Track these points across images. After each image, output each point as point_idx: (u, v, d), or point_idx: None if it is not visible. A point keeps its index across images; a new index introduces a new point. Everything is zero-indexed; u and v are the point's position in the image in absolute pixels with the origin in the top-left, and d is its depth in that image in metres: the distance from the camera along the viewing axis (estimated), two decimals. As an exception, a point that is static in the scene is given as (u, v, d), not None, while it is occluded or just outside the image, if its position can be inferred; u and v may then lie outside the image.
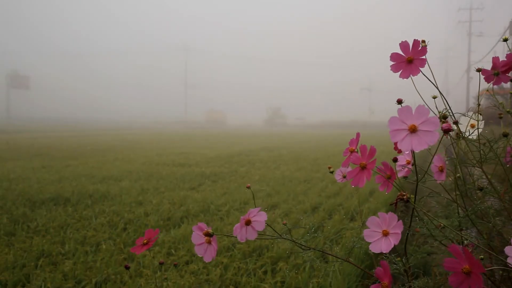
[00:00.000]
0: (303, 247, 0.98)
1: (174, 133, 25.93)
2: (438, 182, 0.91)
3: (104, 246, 2.91)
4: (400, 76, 0.83)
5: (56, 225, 3.44)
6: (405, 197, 0.83)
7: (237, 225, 0.87)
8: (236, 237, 0.86)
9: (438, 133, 0.72)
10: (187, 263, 2.66)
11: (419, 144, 0.71)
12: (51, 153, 10.04)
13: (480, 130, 1.00)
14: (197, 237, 0.88)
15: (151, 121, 58.78)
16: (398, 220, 0.80)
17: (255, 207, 0.88)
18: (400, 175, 1.00)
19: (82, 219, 3.67)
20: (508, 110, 1.06)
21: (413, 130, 0.72)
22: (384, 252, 0.78)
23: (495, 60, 1.00)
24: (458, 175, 0.97)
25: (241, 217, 0.87)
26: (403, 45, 0.83)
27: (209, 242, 0.87)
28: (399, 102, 0.82)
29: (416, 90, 0.90)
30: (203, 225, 0.89)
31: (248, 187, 0.97)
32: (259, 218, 0.86)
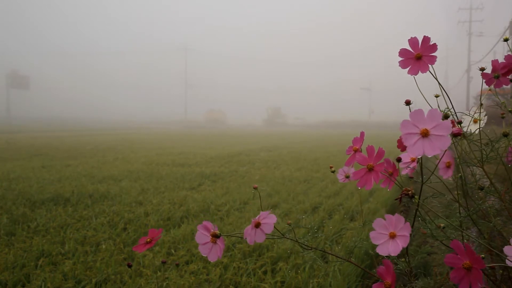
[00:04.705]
0: (305, 246, 0.98)
1: (174, 133, 25.91)
2: (445, 178, 0.90)
3: (104, 246, 2.90)
4: (409, 72, 0.81)
5: (56, 225, 3.44)
6: (410, 192, 0.81)
7: (248, 227, 0.86)
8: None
9: (450, 138, 0.70)
10: (187, 263, 2.65)
11: (432, 149, 0.69)
12: (51, 153, 10.04)
13: (482, 126, 0.99)
14: (201, 237, 0.87)
15: (151, 121, 58.72)
16: (406, 222, 0.77)
17: (260, 206, 0.87)
18: (403, 173, 0.99)
19: (82, 219, 3.66)
20: (510, 109, 1.06)
21: (425, 134, 0.70)
22: (392, 255, 0.76)
23: (494, 63, 0.99)
24: (459, 174, 0.97)
25: (252, 219, 0.86)
26: (412, 41, 0.81)
27: (215, 242, 0.85)
28: (407, 103, 0.81)
29: (418, 89, 0.89)
30: (208, 224, 0.87)
31: (255, 188, 0.96)
32: (269, 220, 0.84)
